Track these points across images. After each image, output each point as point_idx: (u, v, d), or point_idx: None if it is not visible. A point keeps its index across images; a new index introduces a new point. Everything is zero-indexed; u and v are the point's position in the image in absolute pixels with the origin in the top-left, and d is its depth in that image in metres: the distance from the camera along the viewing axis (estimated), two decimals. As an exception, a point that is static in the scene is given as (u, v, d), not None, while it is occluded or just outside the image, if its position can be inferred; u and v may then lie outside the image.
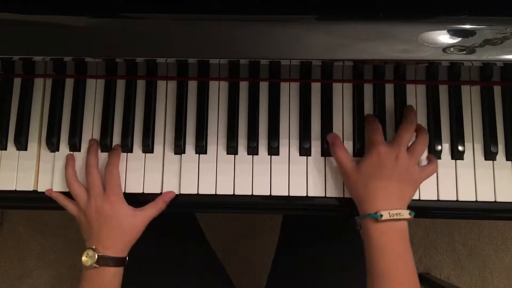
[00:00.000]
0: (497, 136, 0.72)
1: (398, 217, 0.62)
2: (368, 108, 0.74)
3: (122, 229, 0.67)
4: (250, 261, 1.41)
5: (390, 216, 0.61)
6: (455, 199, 0.71)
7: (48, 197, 0.72)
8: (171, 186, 0.72)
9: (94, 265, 0.65)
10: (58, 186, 0.72)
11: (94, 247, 0.66)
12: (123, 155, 0.73)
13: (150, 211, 0.69)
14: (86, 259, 0.65)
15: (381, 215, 0.61)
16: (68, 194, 0.71)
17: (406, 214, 0.63)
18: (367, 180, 0.65)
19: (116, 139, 0.74)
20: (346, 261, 0.83)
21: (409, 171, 0.65)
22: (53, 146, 0.73)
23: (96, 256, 0.65)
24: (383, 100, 0.74)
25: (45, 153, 0.74)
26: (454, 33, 0.59)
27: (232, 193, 0.72)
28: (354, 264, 0.83)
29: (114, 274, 0.66)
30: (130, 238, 0.68)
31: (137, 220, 0.68)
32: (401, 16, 0.59)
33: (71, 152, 0.73)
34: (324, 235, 0.86)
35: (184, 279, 0.81)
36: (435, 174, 0.71)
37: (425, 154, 0.72)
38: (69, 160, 0.72)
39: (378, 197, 0.63)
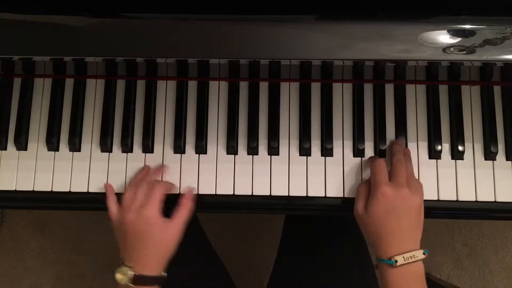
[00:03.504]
0: (497, 136, 0.72)
1: (413, 259, 0.61)
2: (368, 108, 0.74)
3: (159, 243, 0.64)
4: (250, 261, 1.41)
5: (405, 261, 0.61)
6: (455, 199, 0.71)
7: (48, 197, 0.72)
8: (171, 186, 0.72)
9: (130, 284, 0.62)
10: (58, 186, 0.72)
11: (130, 265, 0.62)
12: (123, 155, 0.73)
13: (180, 217, 0.67)
14: (121, 277, 0.62)
15: (396, 261, 0.61)
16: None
17: (420, 254, 0.62)
18: (377, 224, 0.64)
19: (116, 139, 0.74)
20: (348, 261, 0.83)
21: (416, 204, 0.64)
22: (53, 146, 0.73)
23: (132, 275, 0.62)
24: (383, 100, 0.74)
25: (45, 153, 0.74)
26: (454, 33, 0.59)
27: (232, 193, 0.72)
28: (356, 264, 0.83)
29: None
30: (166, 253, 0.65)
31: (170, 231, 0.65)
32: (401, 16, 0.59)
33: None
34: (326, 235, 0.86)
35: (184, 279, 0.81)
36: (435, 174, 0.71)
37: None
38: (146, 168, 0.71)
39: (391, 241, 0.63)
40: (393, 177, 0.66)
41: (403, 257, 0.61)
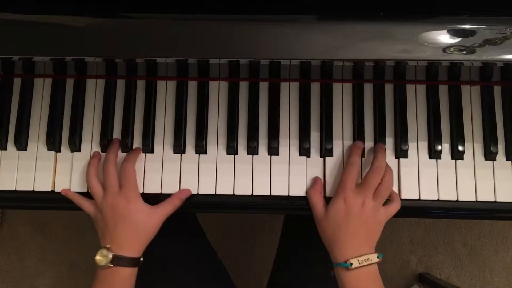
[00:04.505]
0: (497, 136, 0.72)
1: (368, 262, 0.63)
2: (368, 108, 0.74)
3: (138, 227, 0.66)
4: (250, 261, 1.41)
5: (360, 264, 0.63)
6: (455, 199, 0.71)
7: (48, 197, 0.72)
8: (171, 186, 0.72)
9: (109, 264, 0.64)
10: (58, 186, 0.73)
11: (108, 246, 0.65)
12: (123, 155, 0.73)
13: (165, 209, 0.69)
14: (100, 258, 0.64)
15: (351, 264, 0.63)
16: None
17: (374, 258, 0.64)
18: (335, 227, 0.66)
19: (116, 139, 0.74)
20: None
21: (375, 216, 0.66)
22: (53, 146, 0.73)
23: (111, 256, 0.64)
24: (383, 100, 0.74)
25: (45, 153, 0.73)
26: (454, 33, 0.59)
27: (232, 193, 0.72)
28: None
29: (128, 274, 0.65)
30: (145, 237, 0.68)
31: (152, 218, 0.68)
32: (401, 16, 0.59)
33: (97, 150, 0.73)
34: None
35: (184, 279, 0.81)
36: (435, 174, 0.71)
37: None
38: (94, 158, 0.72)
39: (347, 244, 0.65)
40: (362, 184, 0.67)
41: (358, 260, 0.63)
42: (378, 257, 0.64)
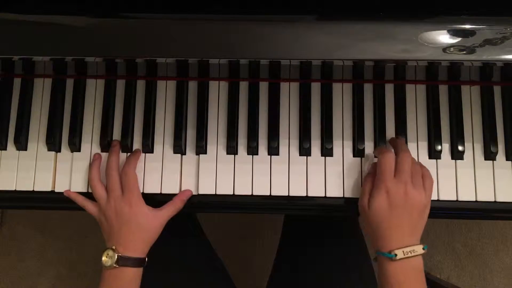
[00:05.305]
0: (497, 136, 0.72)
1: (413, 254, 0.62)
2: (368, 108, 0.74)
3: (142, 230, 0.67)
4: (250, 261, 1.41)
5: (404, 255, 0.62)
6: (455, 199, 0.71)
7: (48, 197, 0.72)
8: (171, 186, 0.72)
9: (114, 265, 0.65)
10: (58, 186, 0.73)
11: (114, 247, 0.66)
12: (123, 155, 0.73)
13: (167, 211, 0.69)
14: (106, 259, 0.65)
15: (396, 255, 0.62)
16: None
17: (420, 249, 0.63)
18: (378, 219, 0.64)
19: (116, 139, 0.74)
20: (348, 261, 0.83)
21: (420, 202, 0.65)
22: (53, 146, 0.73)
23: (116, 257, 0.65)
24: (383, 100, 0.74)
25: (45, 153, 0.73)
26: (454, 33, 0.59)
27: (232, 193, 0.72)
28: (355, 264, 0.83)
29: (133, 275, 0.66)
30: (149, 239, 0.69)
31: (156, 221, 0.69)
32: (401, 16, 0.59)
33: (98, 152, 0.73)
34: (326, 235, 0.86)
35: (184, 279, 0.81)
36: (435, 174, 0.71)
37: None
38: (95, 161, 0.72)
39: (392, 235, 0.64)
40: (397, 173, 0.65)
41: (403, 251, 0.62)
42: (423, 249, 0.63)
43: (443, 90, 0.74)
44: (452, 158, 0.72)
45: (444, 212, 0.72)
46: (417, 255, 0.63)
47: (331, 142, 0.72)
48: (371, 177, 0.68)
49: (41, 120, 0.75)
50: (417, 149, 0.73)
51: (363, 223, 0.68)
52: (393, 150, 0.69)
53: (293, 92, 0.74)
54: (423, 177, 0.67)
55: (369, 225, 0.66)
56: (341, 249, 0.84)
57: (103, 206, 0.68)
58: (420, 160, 0.72)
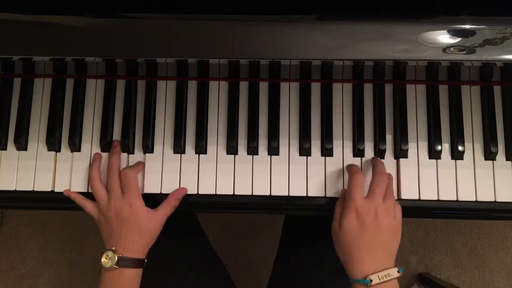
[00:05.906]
0: (497, 136, 0.72)
1: (388, 278, 0.61)
2: (368, 108, 0.74)
3: (141, 231, 0.67)
4: (250, 261, 1.41)
5: (380, 280, 0.60)
6: (455, 199, 0.71)
7: (48, 197, 0.72)
8: (171, 186, 0.72)
9: (114, 266, 0.65)
10: (58, 186, 0.73)
11: (114, 248, 0.66)
12: (123, 155, 0.73)
13: (164, 210, 0.69)
14: (106, 260, 0.65)
15: (371, 280, 0.60)
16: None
17: (395, 273, 0.62)
18: (349, 239, 0.63)
19: (116, 139, 0.73)
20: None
21: (390, 225, 0.64)
22: (53, 146, 0.73)
23: (116, 258, 0.65)
24: (383, 100, 0.74)
25: (45, 153, 0.73)
26: (454, 33, 0.59)
27: (232, 193, 0.72)
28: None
29: (133, 276, 0.66)
30: (149, 239, 0.69)
31: (154, 222, 0.69)
32: (401, 16, 0.59)
33: (98, 152, 0.73)
34: (326, 235, 0.86)
35: (184, 279, 0.81)
36: (435, 174, 0.71)
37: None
38: (96, 160, 0.72)
39: (365, 258, 0.62)
40: (369, 194, 0.65)
41: (378, 276, 0.61)
42: (398, 272, 0.62)
43: (443, 90, 0.74)
44: (452, 158, 0.72)
45: (444, 212, 0.72)
46: (392, 279, 0.61)
47: (331, 142, 0.72)
48: (342, 201, 0.67)
49: (41, 120, 0.75)
50: (417, 149, 0.73)
51: (337, 248, 0.66)
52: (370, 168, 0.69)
53: (293, 92, 0.74)
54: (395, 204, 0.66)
55: (340, 247, 0.65)
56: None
57: (103, 206, 0.68)
58: (420, 160, 0.72)
